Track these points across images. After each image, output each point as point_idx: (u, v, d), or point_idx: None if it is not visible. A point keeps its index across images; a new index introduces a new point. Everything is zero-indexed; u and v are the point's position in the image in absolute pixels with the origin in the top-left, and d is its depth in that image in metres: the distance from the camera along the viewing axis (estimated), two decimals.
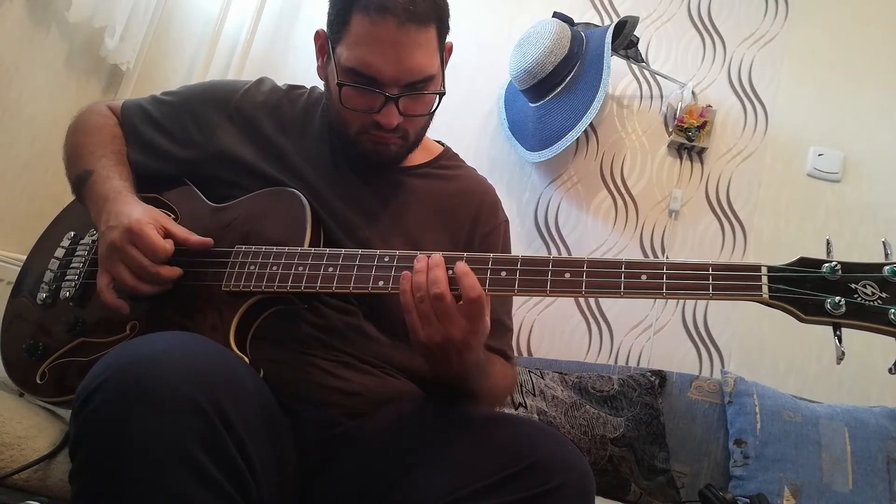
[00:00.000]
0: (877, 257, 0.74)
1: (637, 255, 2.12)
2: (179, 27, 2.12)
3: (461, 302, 0.77)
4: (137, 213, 0.90)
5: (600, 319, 2.08)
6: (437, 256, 0.80)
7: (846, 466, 1.59)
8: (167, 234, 0.90)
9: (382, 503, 0.78)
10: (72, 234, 1.05)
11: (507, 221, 1.15)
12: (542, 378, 1.75)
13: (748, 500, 1.52)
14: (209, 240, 0.92)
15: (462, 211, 1.08)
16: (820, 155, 2.11)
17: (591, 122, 1.97)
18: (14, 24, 1.59)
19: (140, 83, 1.95)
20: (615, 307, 2.08)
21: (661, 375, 1.83)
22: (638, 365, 2.02)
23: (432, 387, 0.98)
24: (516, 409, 1.67)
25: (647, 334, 2.05)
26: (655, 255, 2.12)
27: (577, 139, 2.00)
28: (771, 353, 1.98)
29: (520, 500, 0.69)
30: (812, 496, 1.56)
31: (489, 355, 0.92)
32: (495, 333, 0.87)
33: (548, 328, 2.09)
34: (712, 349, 2.02)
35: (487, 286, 0.79)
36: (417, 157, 1.09)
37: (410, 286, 0.78)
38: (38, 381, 0.93)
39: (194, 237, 0.92)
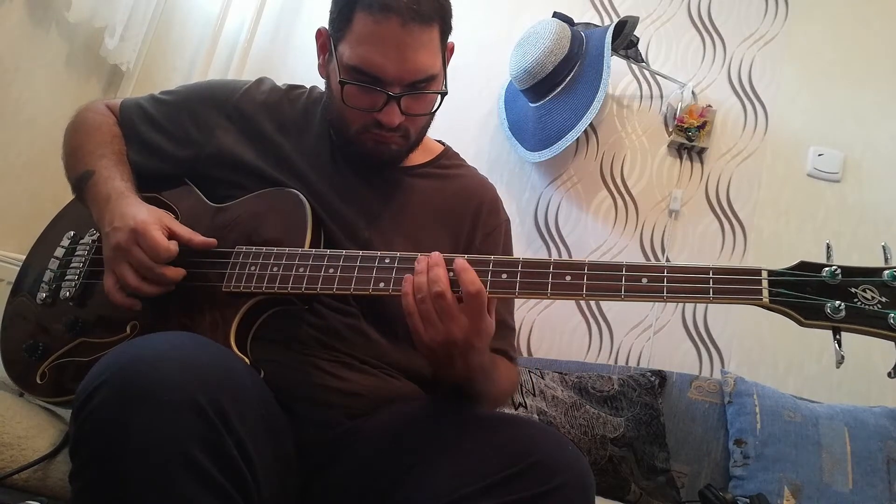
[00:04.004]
0: (876, 258, 0.74)
1: (637, 255, 2.12)
2: (179, 27, 2.12)
3: (462, 303, 0.77)
4: (142, 214, 0.90)
5: (600, 319, 2.08)
6: (436, 255, 0.80)
7: (846, 466, 1.59)
8: (171, 235, 0.90)
9: (383, 503, 0.78)
10: (71, 233, 1.05)
11: (508, 221, 1.15)
12: (542, 378, 1.75)
13: (748, 500, 1.52)
14: (213, 240, 0.92)
15: (463, 210, 1.08)
16: (820, 155, 2.11)
17: (591, 122, 1.97)
18: (14, 24, 1.59)
19: (140, 83, 1.94)
20: (615, 307, 2.07)
21: (661, 375, 1.83)
22: (638, 365, 2.01)
23: (437, 389, 0.98)
24: (516, 409, 1.67)
25: (647, 334, 2.05)
26: (655, 255, 2.12)
27: (577, 139, 2.00)
28: (771, 353, 1.98)
29: (520, 500, 0.69)
30: (812, 496, 1.56)
31: (494, 358, 0.93)
32: (498, 333, 0.88)
33: (548, 328, 2.09)
34: (712, 349, 2.02)
35: (488, 288, 0.79)
36: (418, 157, 1.09)
37: (412, 288, 0.79)
38: (38, 381, 0.93)
39: (198, 237, 0.92)
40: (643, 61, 2.18)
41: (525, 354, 2.06)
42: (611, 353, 2.05)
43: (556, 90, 2.01)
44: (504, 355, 1.03)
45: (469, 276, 0.77)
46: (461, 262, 0.78)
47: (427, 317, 0.78)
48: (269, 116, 1.07)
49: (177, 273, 0.88)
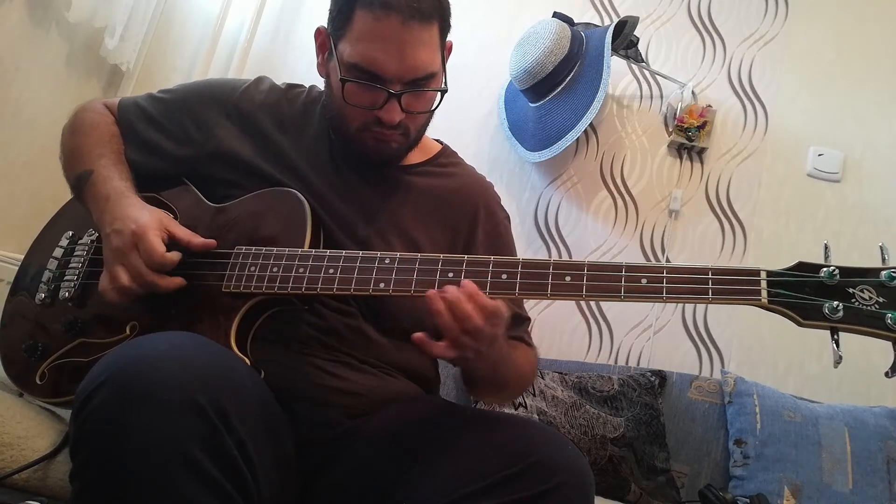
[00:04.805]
0: (876, 258, 0.74)
1: (637, 255, 2.12)
2: (179, 27, 2.12)
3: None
4: (143, 217, 0.90)
5: (600, 319, 2.08)
6: (471, 286, 0.80)
7: (846, 466, 1.59)
8: (171, 237, 0.90)
9: (383, 503, 0.78)
10: (70, 233, 1.05)
11: (508, 218, 1.15)
12: (542, 378, 1.75)
13: (748, 500, 1.52)
14: (212, 241, 0.92)
15: (462, 208, 1.08)
16: (820, 155, 2.11)
17: (591, 122, 1.96)
18: (14, 24, 1.59)
19: (140, 83, 1.94)
20: (615, 307, 2.07)
21: (661, 375, 1.83)
22: (638, 365, 2.01)
23: (464, 382, 0.99)
24: (516, 409, 1.67)
25: (647, 334, 2.05)
26: (655, 255, 2.12)
27: (577, 139, 2.00)
28: (771, 353, 1.98)
29: (520, 500, 0.69)
30: (812, 496, 1.56)
31: (512, 343, 0.95)
32: (513, 324, 0.91)
33: (548, 328, 2.08)
34: (712, 349, 2.02)
35: (488, 289, 0.79)
36: (416, 156, 1.09)
37: (450, 317, 0.79)
38: (38, 382, 0.93)
39: (198, 239, 0.92)
40: (643, 61, 2.18)
41: None
42: (611, 353, 2.05)
43: (556, 90, 2.01)
44: (521, 342, 1.04)
45: (480, 300, 0.79)
46: (471, 286, 0.79)
47: (459, 343, 0.80)
48: (268, 115, 1.07)
49: (171, 283, 0.88)
